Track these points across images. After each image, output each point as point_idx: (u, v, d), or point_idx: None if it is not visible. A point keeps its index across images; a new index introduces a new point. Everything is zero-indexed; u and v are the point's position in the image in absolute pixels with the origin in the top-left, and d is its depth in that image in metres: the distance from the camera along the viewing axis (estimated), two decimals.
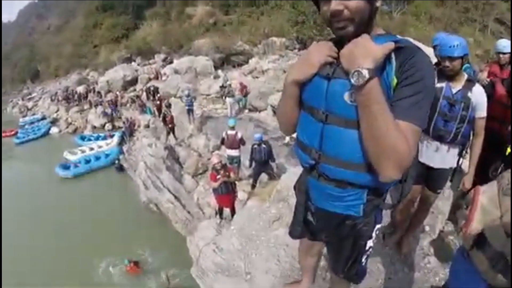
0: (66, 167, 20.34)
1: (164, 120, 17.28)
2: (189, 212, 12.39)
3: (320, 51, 1.50)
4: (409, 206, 3.62)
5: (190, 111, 17.01)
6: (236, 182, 9.70)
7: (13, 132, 32.08)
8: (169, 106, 17.61)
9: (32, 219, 14.95)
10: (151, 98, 24.71)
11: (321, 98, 1.49)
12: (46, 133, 30.45)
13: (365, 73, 1.23)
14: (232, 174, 9.01)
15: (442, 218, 4.22)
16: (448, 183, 3.63)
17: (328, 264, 2.25)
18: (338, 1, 1.31)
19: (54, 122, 32.53)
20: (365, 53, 1.28)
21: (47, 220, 14.71)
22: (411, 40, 1.58)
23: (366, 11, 1.34)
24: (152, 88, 25.81)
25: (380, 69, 1.31)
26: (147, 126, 21.61)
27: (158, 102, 20.53)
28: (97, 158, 20.91)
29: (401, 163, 1.29)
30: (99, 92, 32.13)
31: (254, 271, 3.93)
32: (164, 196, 13.03)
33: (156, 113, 20.73)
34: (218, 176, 8.66)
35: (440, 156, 3.12)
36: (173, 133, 16.58)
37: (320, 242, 2.26)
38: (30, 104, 44.50)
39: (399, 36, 1.41)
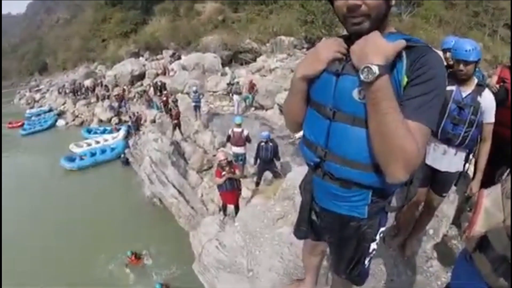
0: (71, 159, 20.40)
1: (170, 115, 17.34)
2: (192, 208, 12.42)
3: (329, 47, 1.48)
4: (414, 209, 3.62)
5: (196, 107, 17.12)
6: (241, 179, 9.71)
7: (19, 124, 32.26)
8: (176, 101, 17.67)
9: (35, 211, 15.02)
10: (158, 93, 24.77)
11: (329, 94, 1.47)
12: (53, 125, 30.55)
13: (375, 69, 1.22)
14: (237, 171, 9.04)
15: (446, 222, 4.20)
16: (453, 187, 3.63)
17: (330, 264, 2.25)
18: None
19: (60, 114, 32.64)
20: (375, 49, 1.27)
21: (50, 212, 14.82)
22: None
23: (382, 8, 1.32)
24: (159, 84, 25.88)
25: (390, 67, 1.29)
26: (154, 121, 21.70)
27: (164, 98, 20.56)
28: (103, 151, 20.95)
29: (409, 164, 1.25)
30: (106, 86, 32.19)
31: (257, 268, 3.93)
32: (168, 191, 13.06)
33: (163, 108, 20.77)
34: (223, 173, 8.70)
35: (447, 160, 3.11)
36: (179, 128, 16.59)
37: (323, 242, 2.23)
38: (37, 96, 44.70)
39: (410, 36, 1.38)
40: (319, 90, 1.55)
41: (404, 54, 1.30)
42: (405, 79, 1.30)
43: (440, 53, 4.19)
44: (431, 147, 3.16)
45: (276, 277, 3.66)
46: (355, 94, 1.37)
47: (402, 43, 1.28)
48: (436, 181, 3.27)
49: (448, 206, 4.21)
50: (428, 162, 3.17)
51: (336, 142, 1.51)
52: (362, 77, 1.24)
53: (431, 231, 4.07)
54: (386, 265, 3.61)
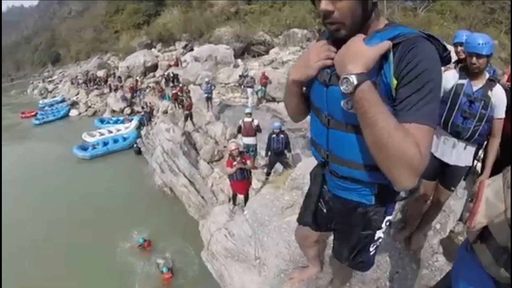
0: (84, 148, 20.69)
1: (182, 106, 17.41)
2: (202, 197, 12.55)
3: (318, 53, 1.44)
4: (422, 203, 3.63)
5: (208, 98, 17.08)
6: (251, 170, 9.76)
7: (32, 113, 32.67)
8: (188, 92, 17.70)
9: (47, 198, 15.33)
10: (170, 84, 24.83)
11: (323, 102, 1.50)
12: (66, 115, 30.94)
13: (353, 79, 1.17)
14: (248, 162, 9.10)
15: (453, 217, 4.20)
16: (462, 183, 3.62)
17: (333, 251, 2.31)
18: (328, 1, 1.24)
19: (73, 104, 33.02)
20: (354, 57, 1.23)
21: (61, 199, 15.10)
22: None
23: (358, 11, 1.25)
24: (171, 75, 25.98)
25: (376, 70, 1.26)
26: (166, 112, 21.74)
27: (175, 91, 20.57)
28: (115, 141, 21.20)
29: (413, 169, 1.17)
30: (119, 77, 32.44)
31: (264, 254, 4.00)
32: (179, 180, 13.21)
33: (173, 101, 20.88)
34: (234, 163, 8.75)
35: (457, 153, 3.11)
36: (191, 119, 16.65)
37: (315, 234, 2.34)
38: (50, 87, 45.20)
39: (402, 27, 1.30)
40: (315, 95, 1.58)
41: (390, 54, 1.24)
42: (395, 81, 1.23)
43: (451, 47, 4.17)
44: (440, 140, 3.16)
45: (282, 263, 3.72)
46: (343, 104, 1.35)
47: (385, 45, 1.23)
48: (445, 174, 3.28)
49: (455, 202, 4.23)
50: (437, 155, 3.20)
51: (334, 146, 1.55)
52: (342, 88, 1.22)
53: (438, 226, 4.06)
54: (391, 257, 3.65)
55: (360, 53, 1.22)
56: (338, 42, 1.36)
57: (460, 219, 4.26)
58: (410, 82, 1.20)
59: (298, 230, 2.59)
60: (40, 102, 37.03)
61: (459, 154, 3.11)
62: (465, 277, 1.82)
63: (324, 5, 1.25)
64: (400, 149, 1.13)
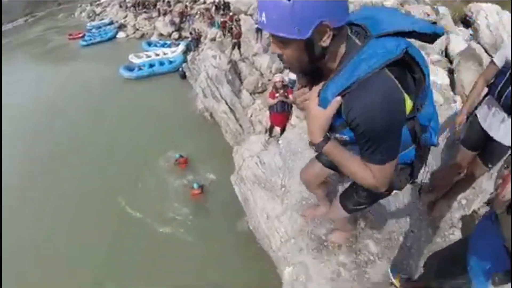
0: (130, 69, 20.95)
1: (230, 34, 17.16)
2: (240, 126, 12.74)
3: (299, 96, 1.60)
4: (455, 172, 3.63)
5: (259, 30, 16.57)
6: (293, 104, 9.69)
7: (80, 35, 32.85)
8: (238, 21, 17.36)
9: (93, 114, 16.18)
10: (221, 12, 24.40)
11: None
12: (113, 37, 30.97)
13: (315, 148, 1.52)
14: (290, 96, 8.99)
15: (481, 197, 4.13)
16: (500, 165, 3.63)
17: (341, 195, 2.47)
18: (275, 46, 1.35)
19: (121, 27, 32.98)
20: (313, 123, 1.45)
21: (106, 116, 15.89)
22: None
23: (303, 58, 1.33)
24: (222, 3, 25.43)
25: (338, 114, 1.40)
26: (213, 39, 21.53)
27: (223, 19, 20.15)
28: (161, 63, 21.21)
29: (375, 187, 1.53)
30: (168, 2, 32.01)
31: (290, 181, 4.28)
32: (220, 106, 13.32)
33: (221, 30, 20.60)
34: (277, 95, 8.83)
35: (504, 130, 2.92)
36: (239, 48, 16.46)
37: (325, 173, 2.61)
38: (98, 10, 45.01)
39: (354, 64, 1.32)
40: None
41: (342, 106, 1.37)
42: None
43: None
44: (491, 111, 2.99)
45: (305, 191, 3.91)
46: None
47: (334, 106, 1.36)
48: (486, 148, 3.18)
49: (488, 182, 4.15)
50: (484, 126, 3.07)
51: None
52: (313, 150, 1.34)
53: (463, 201, 4.05)
54: (411, 216, 3.84)
55: (317, 117, 1.43)
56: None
57: (487, 203, 4.15)
58: (357, 136, 1.40)
59: (309, 168, 2.81)
60: (88, 24, 37.02)
61: (506, 131, 2.91)
62: (483, 244, 1.84)
63: (273, 49, 1.37)
64: (363, 178, 1.52)
